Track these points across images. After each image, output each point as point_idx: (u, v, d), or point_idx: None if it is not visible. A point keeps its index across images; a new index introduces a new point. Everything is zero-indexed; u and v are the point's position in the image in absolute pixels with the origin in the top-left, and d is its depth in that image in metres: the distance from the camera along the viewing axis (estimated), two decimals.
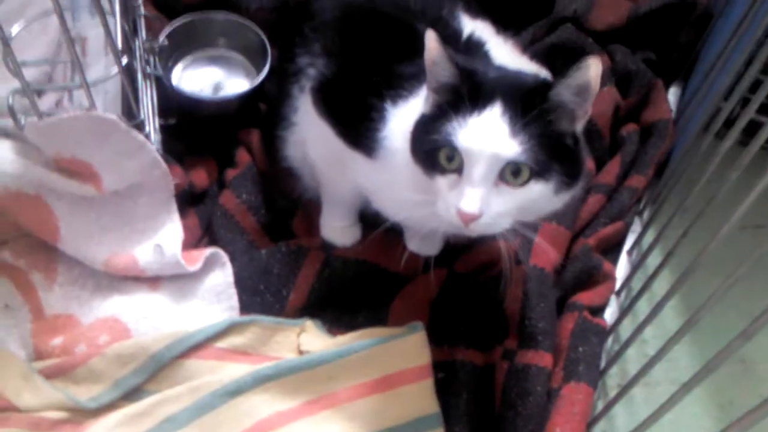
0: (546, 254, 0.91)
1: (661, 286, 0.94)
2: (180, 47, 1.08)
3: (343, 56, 0.84)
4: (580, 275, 0.93)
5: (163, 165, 0.92)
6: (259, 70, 1.07)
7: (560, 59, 1.13)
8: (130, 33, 0.96)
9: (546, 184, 0.67)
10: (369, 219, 0.97)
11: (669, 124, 1.06)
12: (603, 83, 1.07)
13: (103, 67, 1.10)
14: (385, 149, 0.78)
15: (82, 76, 0.80)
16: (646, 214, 1.04)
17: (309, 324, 0.90)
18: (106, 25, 0.76)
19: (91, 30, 1.17)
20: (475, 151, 0.65)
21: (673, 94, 1.16)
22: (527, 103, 0.66)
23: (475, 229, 0.68)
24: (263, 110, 1.09)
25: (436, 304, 0.93)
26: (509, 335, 0.89)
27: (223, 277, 0.92)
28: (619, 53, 1.13)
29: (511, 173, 0.66)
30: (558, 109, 0.67)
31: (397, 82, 0.79)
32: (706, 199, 0.80)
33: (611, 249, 1.00)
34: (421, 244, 0.96)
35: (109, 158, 0.88)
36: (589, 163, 1.04)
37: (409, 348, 0.85)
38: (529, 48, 1.14)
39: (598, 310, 0.93)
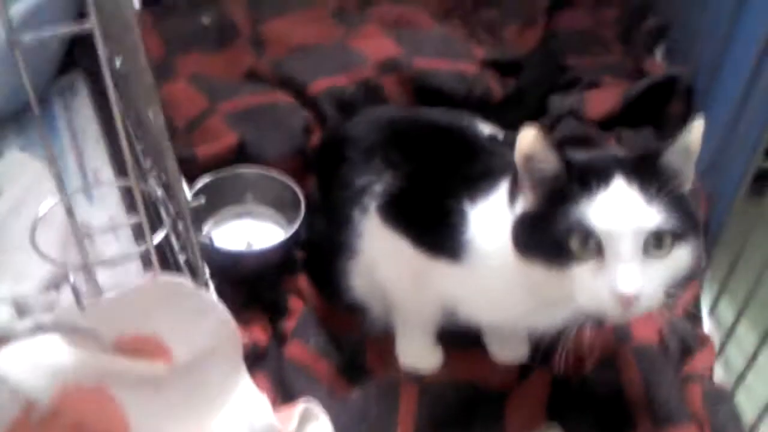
0: (646, 328, 0.89)
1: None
2: (207, 206, 1.03)
3: (408, 167, 0.83)
4: (682, 345, 0.90)
5: (233, 324, 0.84)
6: (288, 218, 1.04)
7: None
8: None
9: (686, 246, 0.65)
10: (445, 338, 0.92)
11: (699, 191, 1.09)
12: None
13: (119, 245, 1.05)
14: (472, 251, 0.76)
15: (150, 242, 0.74)
16: (708, 274, 1.04)
17: None
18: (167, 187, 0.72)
19: (90, 215, 1.12)
20: (618, 229, 0.63)
21: None
22: (645, 172, 0.66)
23: (635, 311, 0.64)
24: (301, 258, 1.04)
25: (551, 409, 0.87)
26: (640, 422, 0.83)
27: (321, 431, 0.83)
28: (624, 135, 1.18)
29: (654, 244, 0.64)
30: (670, 172, 0.67)
31: (470, 183, 0.78)
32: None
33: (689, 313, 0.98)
34: (507, 350, 0.92)
35: (180, 326, 0.80)
36: None
37: None
38: None
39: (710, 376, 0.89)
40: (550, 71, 1.34)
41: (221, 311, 0.83)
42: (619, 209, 0.64)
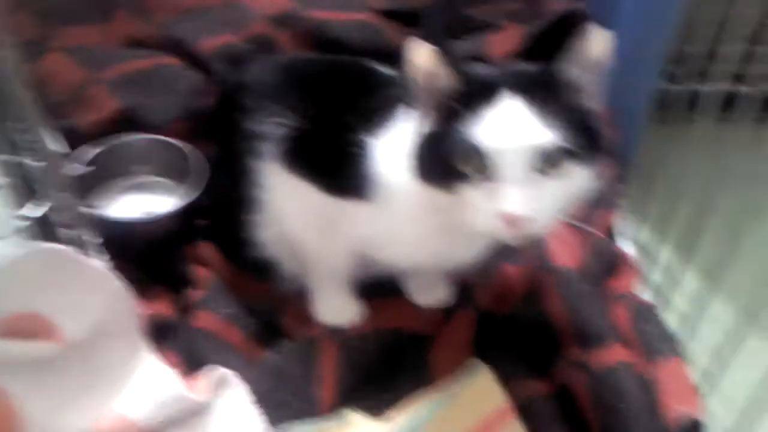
0: (564, 252, 0.86)
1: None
2: (95, 179, 0.95)
3: (307, 109, 0.78)
4: (602, 266, 0.89)
5: (129, 295, 0.77)
6: (183, 186, 0.97)
7: None
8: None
9: (584, 164, 0.62)
10: (364, 290, 0.88)
11: (605, 116, 1.08)
12: None
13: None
14: (380, 186, 0.72)
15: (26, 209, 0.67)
16: (624, 197, 1.03)
17: (351, 415, 0.77)
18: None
19: None
20: (503, 147, 0.59)
21: None
22: (539, 87, 0.62)
23: (524, 233, 0.61)
24: (204, 226, 0.97)
25: (477, 348, 0.84)
26: (567, 348, 0.81)
27: (238, 398, 0.77)
28: None
29: (545, 162, 0.60)
30: (568, 85, 0.63)
31: (370, 116, 0.74)
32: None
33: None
34: (428, 293, 0.88)
35: (68, 301, 0.73)
36: None
37: (479, 391, 0.75)
38: None
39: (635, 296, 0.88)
40: (450, 20, 1.30)
41: (113, 282, 0.76)
42: (505, 127, 0.60)
